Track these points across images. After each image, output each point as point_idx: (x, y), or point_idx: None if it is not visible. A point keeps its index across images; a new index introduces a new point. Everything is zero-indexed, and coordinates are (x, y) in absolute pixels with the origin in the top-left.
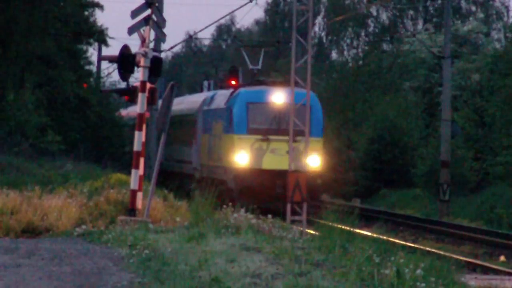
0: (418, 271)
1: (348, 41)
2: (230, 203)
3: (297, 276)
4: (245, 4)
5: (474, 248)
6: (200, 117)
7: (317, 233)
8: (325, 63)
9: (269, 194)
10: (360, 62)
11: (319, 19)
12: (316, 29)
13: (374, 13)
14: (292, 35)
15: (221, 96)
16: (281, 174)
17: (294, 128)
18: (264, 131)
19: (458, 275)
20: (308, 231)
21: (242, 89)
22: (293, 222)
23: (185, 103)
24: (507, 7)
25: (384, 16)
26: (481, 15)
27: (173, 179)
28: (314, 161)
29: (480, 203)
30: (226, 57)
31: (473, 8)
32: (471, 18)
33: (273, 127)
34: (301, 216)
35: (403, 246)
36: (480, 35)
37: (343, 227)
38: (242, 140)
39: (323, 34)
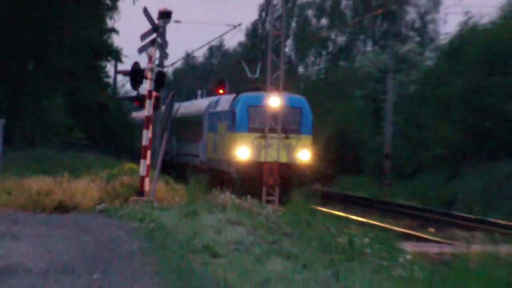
0: (366, 240)
1: (312, 59)
2: (231, 190)
3: (270, 243)
4: (231, 29)
5: (410, 222)
6: (206, 118)
7: (286, 210)
8: (293, 77)
9: (266, 183)
10: (322, 76)
11: (289, 42)
12: (287, 49)
13: (333, 37)
14: (268, 54)
15: (225, 101)
16: (276, 166)
17: (287, 127)
18: (262, 130)
19: (398, 243)
20: (280, 208)
21: (243, 95)
22: (268, 201)
23: (193, 106)
24: (437, 32)
25: (340, 39)
26: (417, 39)
27: (183, 169)
28: (304, 155)
29: (415, 187)
30: (216, 72)
31: (411, 33)
32: (409, 41)
33: (270, 126)
34: (274, 197)
35: (355, 221)
36: (416, 55)
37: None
38: (243, 137)
39: (292, 53)
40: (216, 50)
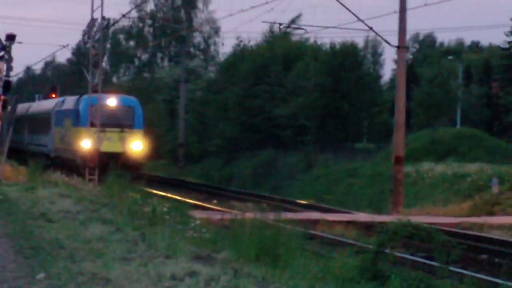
0: (165, 209)
1: (122, 71)
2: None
3: (92, 212)
4: (61, 48)
5: (198, 195)
6: (54, 115)
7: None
8: (109, 85)
9: (105, 169)
10: (130, 84)
11: (105, 58)
12: (104, 64)
13: (138, 54)
14: (89, 67)
15: (70, 101)
16: (114, 155)
17: (122, 122)
18: (102, 125)
19: (189, 211)
20: (98, 185)
21: (85, 96)
22: (90, 180)
23: (42, 105)
24: (217, 52)
25: (144, 56)
26: (202, 56)
27: (34, 157)
28: (137, 145)
29: (201, 169)
30: (49, 80)
31: (198, 52)
32: (196, 58)
33: (108, 122)
34: (94, 176)
35: (157, 194)
36: (201, 68)
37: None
38: (86, 131)
39: (107, 67)
40: (50, 64)
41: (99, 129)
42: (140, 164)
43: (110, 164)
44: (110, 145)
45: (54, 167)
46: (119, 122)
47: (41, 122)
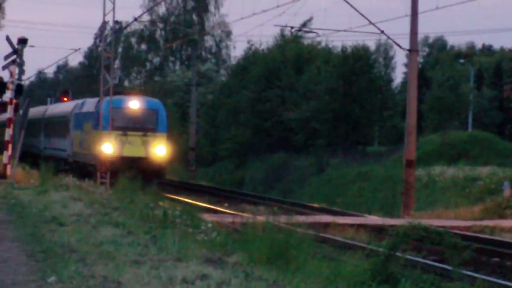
0: (177, 212)
1: (134, 74)
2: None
3: (103, 215)
4: (73, 52)
5: (209, 199)
6: (73, 118)
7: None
8: (120, 88)
9: (127, 175)
10: (142, 88)
11: (117, 61)
12: (116, 67)
13: (150, 58)
14: (102, 70)
15: (90, 103)
16: (136, 160)
17: (145, 126)
18: (124, 128)
19: (200, 214)
20: (110, 189)
21: (107, 98)
22: (101, 183)
23: (59, 108)
24: (229, 55)
25: (155, 60)
26: (213, 60)
27: (51, 161)
28: (160, 150)
29: (213, 172)
30: (61, 84)
31: (209, 56)
32: (207, 62)
33: (130, 125)
34: (106, 180)
35: (168, 197)
36: (213, 72)
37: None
38: (107, 134)
39: (119, 70)
40: (62, 68)
41: (121, 132)
42: (164, 169)
43: (132, 169)
44: (132, 150)
45: (72, 172)
46: (142, 126)
47: (58, 125)
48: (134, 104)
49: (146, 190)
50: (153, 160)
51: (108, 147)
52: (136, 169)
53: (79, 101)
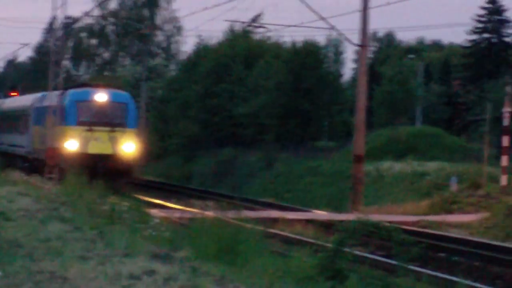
0: (124, 207)
1: (83, 69)
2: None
3: (51, 210)
4: (22, 47)
5: (158, 194)
6: (33, 112)
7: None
8: (70, 82)
9: (93, 173)
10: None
11: (67, 56)
12: (66, 62)
13: (100, 52)
14: (51, 65)
15: (52, 96)
16: (103, 157)
17: (113, 121)
18: (89, 123)
19: (148, 210)
20: (58, 184)
21: (70, 90)
22: (49, 178)
23: (18, 102)
24: (179, 50)
25: (105, 55)
26: (163, 55)
27: (9, 158)
28: (129, 147)
29: (161, 167)
30: (12, 79)
31: (159, 51)
32: (157, 57)
33: (97, 120)
34: (54, 175)
35: (113, 193)
36: (163, 67)
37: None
38: (72, 130)
39: (70, 65)
40: (11, 63)
41: (87, 128)
42: (133, 168)
43: (99, 167)
44: (98, 146)
45: (32, 171)
46: (110, 121)
47: (16, 120)
48: (101, 97)
49: (114, 190)
50: (121, 158)
51: (72, 144)
52: (102, 167)
53: (39, 94)
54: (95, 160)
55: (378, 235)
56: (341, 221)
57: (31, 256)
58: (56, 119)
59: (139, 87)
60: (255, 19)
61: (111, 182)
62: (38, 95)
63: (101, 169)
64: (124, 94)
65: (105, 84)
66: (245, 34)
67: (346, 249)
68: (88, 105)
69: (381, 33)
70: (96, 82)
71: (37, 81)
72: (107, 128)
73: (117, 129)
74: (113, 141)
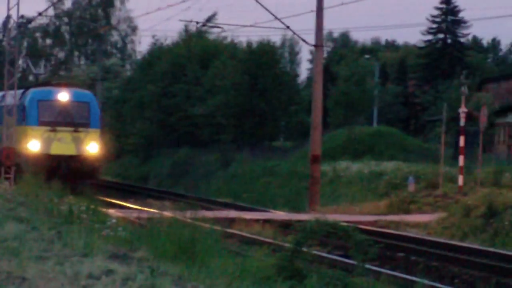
0: (82, 207)
1: (39, 69)
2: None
3: (8, 210)
4: None
5: (115, 194)
6: None
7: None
8: (26, 82)
9: (56, 174)
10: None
11: (22, 56)
12: (20, 61)
13: (55, 53)
14: (5, 66)
15: (12, 95)
16: (66, 159)
17: (76, 121)
18: (52, 123)
19: (106, 210)
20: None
21: (32, 89)
22: (6, 179)
23: None
24: (134, 50)
25: (60, 54)
26: (119, 55)
27: None
28: (93, 147)
29: (118, 167)
30: None
31: (114, 50)
32: (113, 56)
33: (60, 120)
34: (10, 175)
35: (73, 194)
36: (118, 67)
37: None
38: (34, 130)
39: (24, 65)
40: None
41: (49, 128)
42: (97, 169)
43: (62, 169)
44: (61, 147)
45: None
46: (72, 120)
47: None
48: (64, 96)
49: (77, 192)
50: (85, 158)
51: (34, 144)
52: (66, 168)
53: None
54: (58, 161)
55: (336, 236)
56: (300, 221)
57: None
58: (17, 119)
59: (94, 87)
60: (209, 19)
61: (75, 184)
62: None
63: (64, 170)
64: (86, 93)
65: (67, 83)
66: (200, 34)
67: (304, 249)
68: (50, 105)
69: (336, 33)
70: (58, 81)
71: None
72: (70, 128)
73: (80, 129)
74: (77, 141)
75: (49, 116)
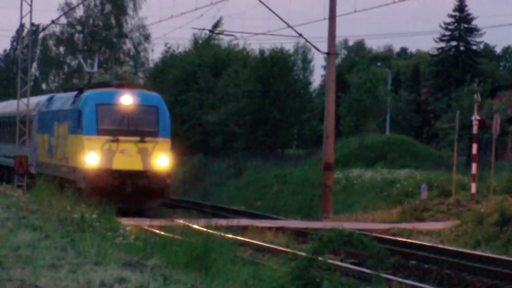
0: (94, 216)
1: (52, 76)
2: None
3: (21, 218)
4: None
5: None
6: (36, 118)
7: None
8: (37, 91)
9: (119, 193)
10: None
11: (35, 64)
12: (33, 70)
13: (68, 61)
14: (18, 74)
15: (64, 99)
16: (130, 175)
17: (142, 129)
18: (113, 132)
19: (118, 218)
20: (27, 192)
21: (89, 91)
22: (19, 186)
23: (13, 106)
24: (147, 58)
25: (73, 63)
26: (131, 63)
27: (3, 171)
28: (162, 161)
29: None
30: None
31: (127, 59)
32: (125, 64)
33: (123, 128)
34: (23, 183)
35: (84, 201)
36: (131, 75)
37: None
38: (91, 141)
39: (37, 73)
40: None
41: (111, 138)
42: (168, 186)
43: (126, 187)
44: (125, 161)
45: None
46: (138, 128)
47: (12, 127)
48: (127, 99)
49: (146, 213)
50: (154, 175)
51: (92, 158)
52: (130, 187)
53: (44, 97)
54: (122, 178)
55: (352, 245)
56: (314, 230)
57: (1, 264)
58: (69, 126)
59: None
60: (215, 25)
61: (141, 205)
62: (43, 97)
63: (128, 189)
64: (154, 96)
65: (130, 83)
66: (209, 40)
67: (320, 258)
68: (112, 109)
69: (351, 41)
70: (119, 81)
71: (5, 90)
72: (136, 138)
73: (147, 139)
74: (144, 154)
75: (110, 123)
